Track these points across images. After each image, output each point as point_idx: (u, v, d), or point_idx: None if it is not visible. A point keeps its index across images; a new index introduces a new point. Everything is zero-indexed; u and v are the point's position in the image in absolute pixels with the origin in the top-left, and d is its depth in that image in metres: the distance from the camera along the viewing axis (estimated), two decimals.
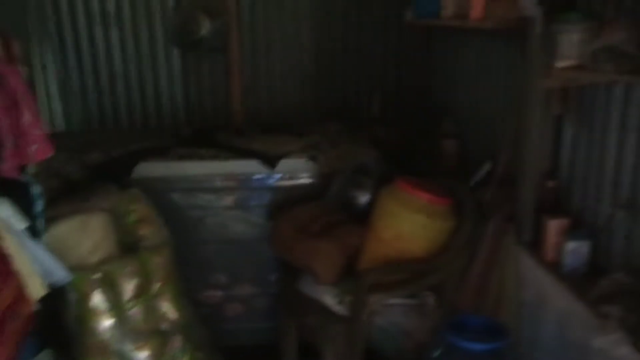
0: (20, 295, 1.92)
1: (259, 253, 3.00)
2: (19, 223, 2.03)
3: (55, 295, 2.22)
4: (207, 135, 3.25)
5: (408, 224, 2.25)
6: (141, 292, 2.39)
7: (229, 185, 2.94)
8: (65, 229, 2.36)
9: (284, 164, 2.90)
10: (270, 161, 2.88)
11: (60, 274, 2.14)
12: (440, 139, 3.07)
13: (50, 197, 2.53)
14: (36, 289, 2.06)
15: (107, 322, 2.30)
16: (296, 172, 2.91)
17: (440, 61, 3.47)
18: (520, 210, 2.14)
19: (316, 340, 2.35)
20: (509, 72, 2.55)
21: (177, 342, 2.47)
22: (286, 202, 2.84)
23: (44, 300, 2.12)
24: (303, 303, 2.48)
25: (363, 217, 2.50)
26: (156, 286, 2.46)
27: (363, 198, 2.60)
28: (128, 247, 2.52)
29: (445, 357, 1.96)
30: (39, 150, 2.28)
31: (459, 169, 2.94)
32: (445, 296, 2.32)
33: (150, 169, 2.86)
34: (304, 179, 2.92)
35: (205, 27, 3.37)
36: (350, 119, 3.63)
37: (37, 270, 2.09)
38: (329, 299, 2.34)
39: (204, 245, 2.99)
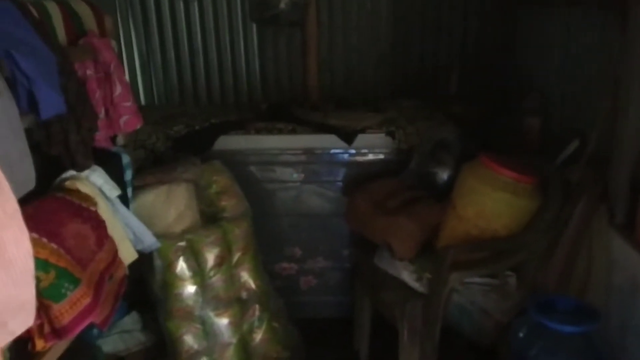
0: (114, 259, 2.02)
1: (333, 227, 3.02)
2: (112, 190, 2.13)
3: (142, 261, 2.33)
4: (283, 110, 3.27)
5: (491, 201, 2.19)
6: (222, 261, 2.46)
7: (305, 159, 2.96)
8: (152, 198, 2.45)
9: (361, 139, 2.89)
10: (348, 136, 2.87)
11: (150, 241, 2.23)
12: (522, 116, 2.95)
13: (138, 168, 2.64)
14: (128, 254, 2.16)
15: (190, 289, 2.39)
16: (373, 147, 2.90)
17: (525, 35, 3.32)
18: (614, 189, 2.04)
19: (392, 316, 2.35)
20: (602, 47, 2.41)
21: (255, 311, 2.53)
22: (362, 177, 2.83)
23: (130, 265, 2.23)
24: (379, 278, 2.48)
25: (443, 194, 2.46)
26: (236, 256, 2.53)
27: (443, 174, 2.55)
28: (210, 217, 2.60)
29: (532, 338, 1.91)
30: (129, 121, 2.38)
31: (542, 147, 2.83)
32: (528, 277, 2.25)
33: (230, 142, 2.92)
34: (381, 155, 2.90)
35: (283, 1, 3.37)
36: (427, 95, 3.55)
37: (128, 236, 2.19)
38: (407, 275, 2.33)
39: (279, 218, 3.04)
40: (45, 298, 1.64)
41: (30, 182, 1.66)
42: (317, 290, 3.11)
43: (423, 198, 2.52)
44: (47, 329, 1.68)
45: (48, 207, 1.80)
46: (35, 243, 1.62)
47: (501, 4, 3.41)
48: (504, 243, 2.23)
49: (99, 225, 1.97)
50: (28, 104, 1.69)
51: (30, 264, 1.07)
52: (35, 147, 1.98)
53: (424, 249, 2.37)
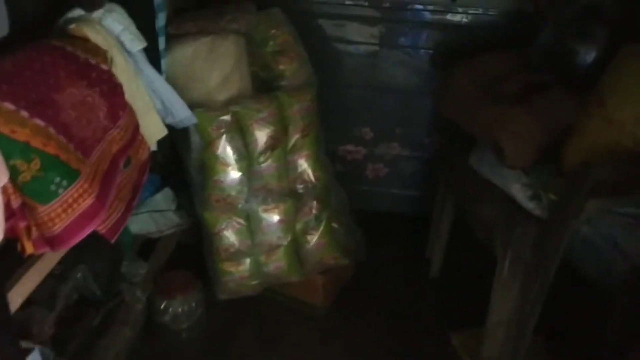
0: (134, 136, 1.50)
1: (415, 107, 2.42)
2: (135, 41, 1.55)
3: (174, 131, 1.81)
4: None
5: None
6: (276, 144, 1.92)
7: (389, 14, 2.26)
8: (190, 53, 1.87)
9: None
10: None
11: (183, 114, 1.70)
12: None
13: (175, 10, 2.02)
14: (154, 130, 1.64)
15: (234, 176, 1.89)
16: (486, 4, 2.16)
17: None
18: None
19: (490, 237, 1.82)
20: None
21: (312, 208, 2.05)
22: (465, 48, 2.15)
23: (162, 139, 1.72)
24: (475, 186, 1.92)
25: (583, 83, 1.77)
26: (294, 138, 1.98)
27: (588, 55, 1.82)
28: (264, 84, 2.02)
29: None
30: None
31: None
32: None
33: None
34: (495, 17, 2.17)
35: None
36: None
37: (155, 105, 1.65)
38: (518, 190, 1.74)
39: (349, 89, 2.43)
40: (28, 196, 1.16)
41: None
42: (386, 181, 2.58)
43: (552, 86, 1.84)
44: (35, 233, 1.22)
45: (36, 61, 1.25)
46: (8, 117, 1.10)
47: None
48: None
49: (114, 90, 1.43)
50: None
51: None
52: None
53: (545, 155, 1.75)
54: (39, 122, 1.16)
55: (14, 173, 1.12)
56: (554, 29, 1.92)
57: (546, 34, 1.92)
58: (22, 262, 1.32)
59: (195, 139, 1.87)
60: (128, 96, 1.49)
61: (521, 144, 1.76)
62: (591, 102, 1.69)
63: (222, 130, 1.84)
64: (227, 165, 1.86)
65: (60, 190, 1.18)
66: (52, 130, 1.18)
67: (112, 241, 1.34)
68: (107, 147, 1.39)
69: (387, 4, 2.23)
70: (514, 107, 1.79)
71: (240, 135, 1.88)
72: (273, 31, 2.01)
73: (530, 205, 1.71)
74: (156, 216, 2.22)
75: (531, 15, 2.08)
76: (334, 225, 2.11)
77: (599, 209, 1.59)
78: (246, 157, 1.89)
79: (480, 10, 2.18)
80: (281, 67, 2.00)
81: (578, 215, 1.57)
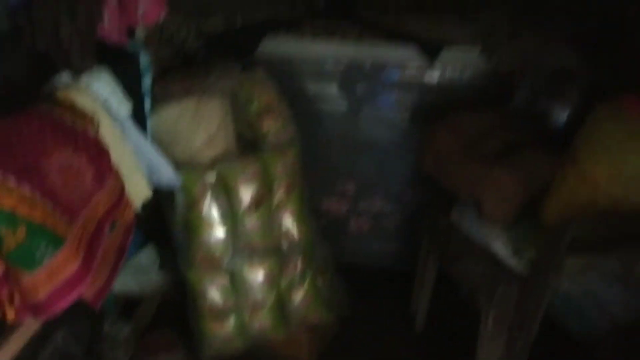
0: (120, 200, 1.51)
1: (398, 162, 2.46)
2: (122, 106, 1.58)
3: (160, 190, 1.83)
4: (346, 6, 2.59)
5: (636, 163, 1.58)
6: (261, 202, 1.94)
7: (372, 74, 2.32)
8: (176, 114, 1.91)
9: (448, 55, 2.22)
10: (431, 49, 2.22)
11: (169, 176, 1.72)
12: None
13: (161, 70, 2.06)
14: (139, 191, 1.65)
15: (219, 234, 1.90)
16: (462, 67, 2.24)
17: None
18: None
19: (473, 294, 1.83)
20: None
21: (297, 265, 2.05)
22: (445, 105, 2.21)
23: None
24: (457, 241, 1.94)
25: (559, 142, 1.83)
26: (278, 195, 2.00)
27: (561, 114, 1.90)
28: (248, 143, 2.05)
29: None
30: (148, 10, 1.78)
31: None
32: None
33: (279, 45, 2.29)
34: (472, 78, 2.25)
35: None
36: None
37: (141, 167, 1.66)
38: (500, 246, 1.77)
39: (333, 145, 2.46)
40: (12, 264, 1.16)
41: None
42: (370, 236, 2.59)
43: (529, 144, 1.90)
44: (17, 300, 1.21)
45: (24, 128, 1.27)
46: None
47: None
48: None
49: (100, 154, 1.45)
50: None
51: None
52: (18, 37, 1.43)
53: (524, 212, 1.80)
54: (26, 189, 1.17)
55: None
56: (528, 91, 1.99)
57: (521, 95, 2.00)
58: (3, 328, 1.31)
59: (179, 198, 1.88)
60: (114, 159, 1.51)
61: (502, 202, 1.80)
62: (566, 160, 1.75)
63: (207, 189, 1.86)
64: (211, 224, 1.87)
65: (45, 258, 1.18)
66: (38, 196, 1.19)
67: (97, 309, 1.33)
68: (93, 211, 1.39)
69: (367, 66, 2.30)
70: (495, 167, 1.84)
71: (225, 194, 1.90)
72: (257, 91, 2.06)
73: (512, 262, 1.74)
74: (139, 277, 2.20)
75: (505, 75, 2.15)
76: (319, 281, 2.11)
77: (578, 266, 1.62)
78: (231, 216, 1.90)
79: (458, 71, 2.25)
80: (265, 126, 2.04)
81: (558, 273, 1.60)
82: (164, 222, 2.08)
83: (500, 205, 1.80)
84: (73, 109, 1.43)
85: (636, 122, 1.61)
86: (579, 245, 1.61)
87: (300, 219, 2.04)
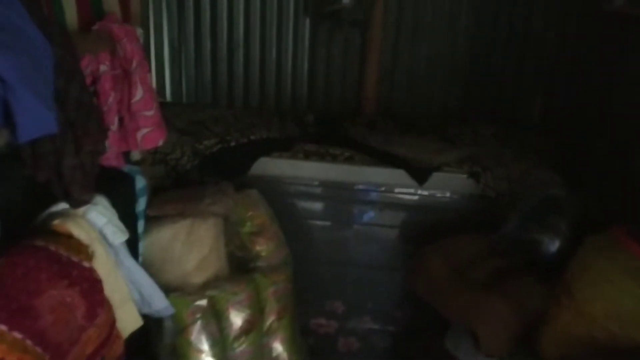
0: (110, 334, 1.45)
1: (386, 281, 2.45)
2: (117, 234, 1.56)
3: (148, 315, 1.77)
4: (337, 129, 2.68)
5: (633, 300, 1.59)
6: (252, 328, 1.89)
7: (362, 196, 2.37)
8: (169, 236, 1.89)
9: (435, 179, 2.29)
10: (420, 173, 2.28)
11: (161, 304, 1.67)
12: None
13: (154, 188, 2.07)
14: (130, 320, 1.59)
15: None
16: (451, 190, 2.30)
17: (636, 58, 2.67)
18: None
19: None
20: None
21: None
22: (433, 227, 2.25)
23: None
24: None
25: (550, 269, 1.86)
26: (269, 321, 1.96)
27: (552, 245, 1.93)
28: (240, 264, 2.03)
29: None
30: (148, 136, 1.83)
31: None
32: None
33: (271, 166, 2.34)
34: (460, 201, 2.30)
35: None
36: (504, 122, 2.94)
37: (133, 296, 1.62)
38: None
39: (322, 264, 2.46)
40: None
41: None
42: (358, 356, 2.52)
43: (519, 272, 1.92)
44: None
45: (20, 266, 1.24)
46: None
47: (609, 20, 2.77)
48: None
49: (93, 288, 1.40)
50: (2, 117, 1.14)
51: None
52: (19, 166, 1.43)
53: (520, 342, 1.78)
54: (17, 335, 1.12)
55: None
56: (517, 220, 2.03)
57: (510, 224, 2.03)
58: None
59: (168, 324, 1.82)
60: (106, 289, 1.47)
61: (499, 333, 1.79)
62: (561, 293, 1.76)
63: (197, 315, 1.81)
64: (200, 352, 1.81)
65: None
66: (29, 342, 1.14)
67: None
68: (82, 348, 1.33)
69: (357, 186, 2.34)
70: (488, 295, 1.84)
71: (215, 319, 1.85)
72: (250, 212, 2.07)
73: None
74: None
75: (493, 199, 2.21)
76: None
77: None
78: (220, 343, 1.84)
79: (447, 194, 2.31)
80: (257, 247, 2.04)
81: None
82: (149, 346, 2.00)
83: (497, 337, 1.79)
84: (69, 240, 1.40)
85: (630, 260, 1.64)
86: None
87: (291, 346, 1.99)
